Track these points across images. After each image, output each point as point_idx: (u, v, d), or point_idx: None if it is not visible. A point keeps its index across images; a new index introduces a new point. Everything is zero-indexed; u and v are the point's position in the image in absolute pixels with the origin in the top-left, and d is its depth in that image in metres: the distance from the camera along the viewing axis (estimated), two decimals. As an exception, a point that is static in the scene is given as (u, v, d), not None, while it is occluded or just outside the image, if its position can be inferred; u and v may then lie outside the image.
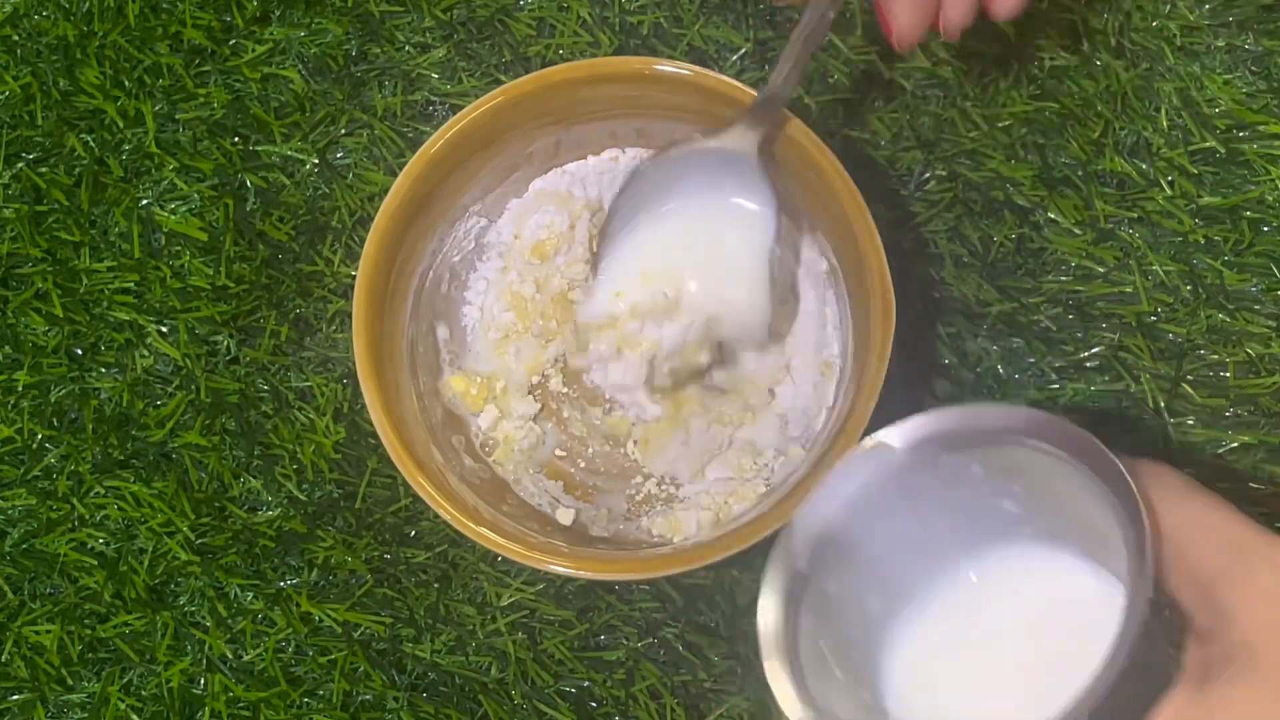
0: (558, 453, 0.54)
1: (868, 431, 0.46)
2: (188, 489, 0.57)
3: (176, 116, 0.60)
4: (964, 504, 0.43)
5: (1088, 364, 0.53)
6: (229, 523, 0.56)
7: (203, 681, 0.55)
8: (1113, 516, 0.36)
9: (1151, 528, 0.34)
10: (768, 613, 0.40)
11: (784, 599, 0.40)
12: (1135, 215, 0.54)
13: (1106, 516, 0.37)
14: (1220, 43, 0.55)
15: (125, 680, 0.56)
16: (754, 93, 0.48)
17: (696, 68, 0.49)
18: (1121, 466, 0.36)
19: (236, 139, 0.60)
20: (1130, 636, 0.33)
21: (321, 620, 0.55)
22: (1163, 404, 0.52)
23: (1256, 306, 0.53)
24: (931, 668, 0.43)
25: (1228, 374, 0.52)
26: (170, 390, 0.58)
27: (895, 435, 0.41)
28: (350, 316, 0.49)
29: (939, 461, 0.41)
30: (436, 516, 0.49)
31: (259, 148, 0.59)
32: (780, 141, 0.48)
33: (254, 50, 0.60)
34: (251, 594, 0.56)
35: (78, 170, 0.60)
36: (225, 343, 0.58)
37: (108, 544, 0.57)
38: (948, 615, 0.44)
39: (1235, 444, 0.52)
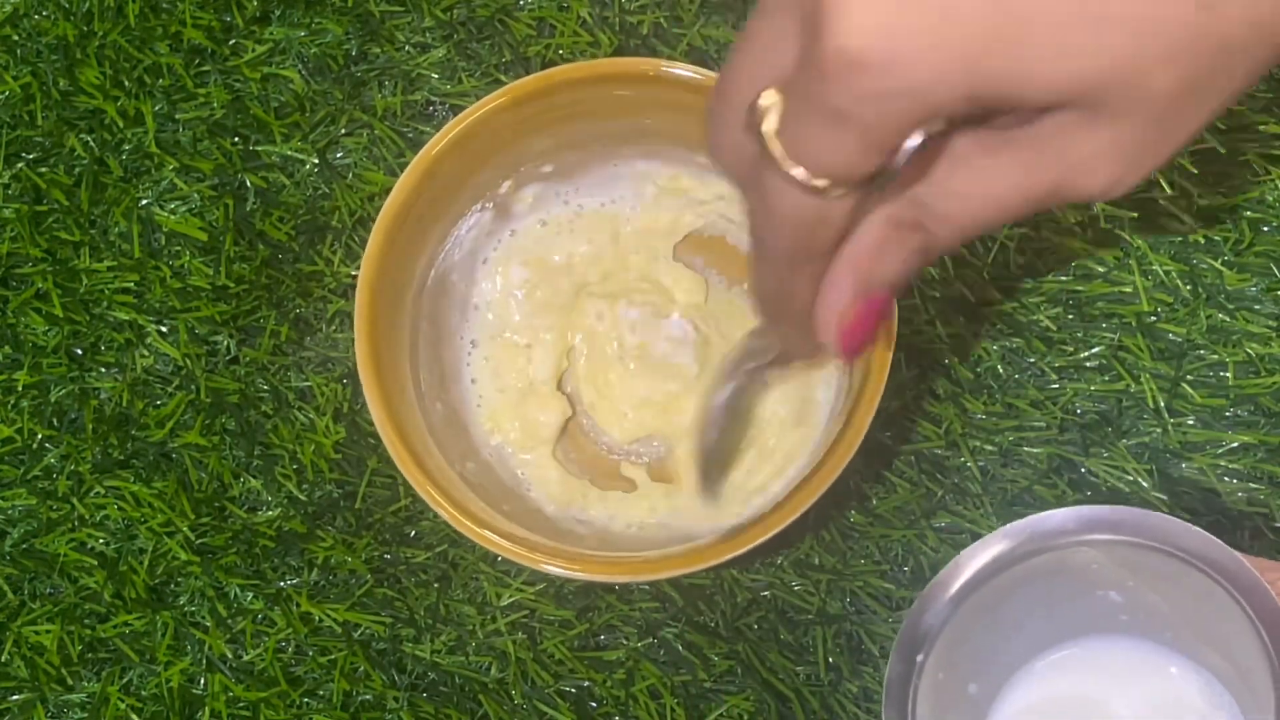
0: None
1: (865, 436, 0.46)
2: (188, 489, 0.57)
3: (176, 116, 0.60)
4: (1070, 590, 0.43)
5: (1088, 364, 0.53)
6: (229, 523, 0.56)
7: (203, 681, 0.55)
8: (1259, 648, 0.37)
9: None
10: (891, 711, 0.40)
11: (904, 694, 0.40)
12: (1135, 215, 0.54)
13: (1247, 638, 0.38)
14: (1220, 43, 0.55)
15: (125, 680, 0.56)
16: None
17: (698, 68, 0.49)
18: None
19: (236, 139, 0.60)
20: None
21: (321, 620, 0.55)
22: (1163, 404, 0.52)
23: (1256, 306, 0.53)
24: None
25: (1228, 374, 0.52)
26: (170, 390, 0.58)
27: (1031, 524, 0.41)
28: (350, 316, 0.49)
29: (1064, 551, 0.41)
30: (436, 516, 0.49)
31: (259, 148, 0.59)
32: None
33: (254, 50, 0.60)
34: (251, 594, 0.56)
35: (78, 170, 0.60)
36: (225, 343, 0.58)
37: (108, 544, 0.57)
38: (1037, 700, 0.45)
39: (1235, 444, 0.52)
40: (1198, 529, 0.39)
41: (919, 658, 0.40)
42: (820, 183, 0.30)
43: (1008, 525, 0.40)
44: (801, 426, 0.51)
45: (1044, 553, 0.40)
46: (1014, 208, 0.32)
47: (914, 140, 0.29)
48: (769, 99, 0.31)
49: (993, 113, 0.30)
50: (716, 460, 0.50)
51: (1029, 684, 0.45)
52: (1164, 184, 0.54)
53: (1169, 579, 0.40)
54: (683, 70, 0.49)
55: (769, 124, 0.31)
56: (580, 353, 0.54)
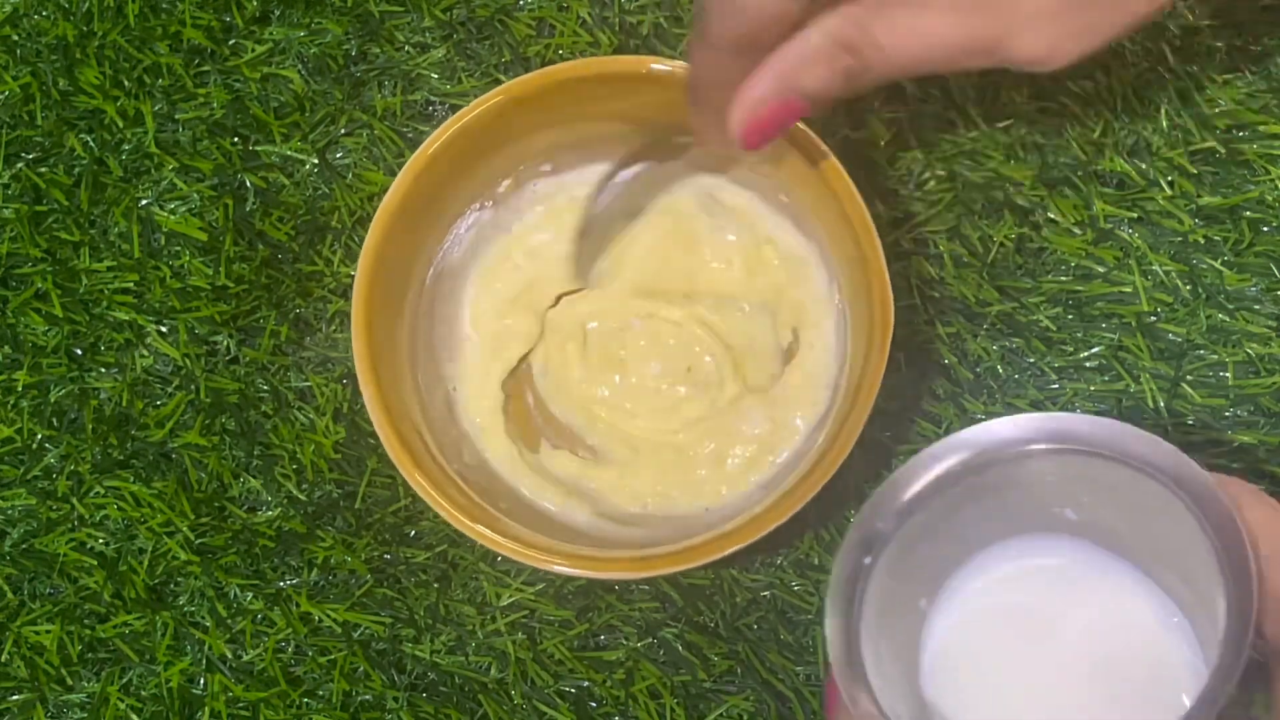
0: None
1: (864, 436, 0.46)
2: (187, 489, 0.57)
3: (176, 116, 0.60)
4: (1022, 506, 0.42)
5: (1088, 364, 0.53)
6: (229, 523, 0.56)
7: (202, 681, 0.55)
8: (1213, 561, 0.36)
9: (1258, 586, 0.33)
10: (834, 619, 0.39)
11: (850, 594, 0.40)
12: (1135, 215, 0.54)
13: (1201, 551, 0.37)
14: (1220, 43, 0.55)
15: (125, 680, 0.56)
16: None
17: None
18: (1237, 519, 0.35)
19: (236, 139, 0.60)
20: (1218, 696, 0.32)
21: (321, 620, 0.55)
22: (1163, 404, 0.52)
23: (1256, 306, 0.53)
24: (960, 649, 0.43)
25: (1228, 374, 0.52)
26: (170, 390, 0.58)
27: (981, 432, 0.40)
28: (350, 316, 0.49)
29: (1014, 464, 0.40)
30: (436, 516, 0.49)
31: (259, 148, 0.59)
32: (780, 144, 0.48)
33: (254, 50, 0.60)
34: (251, 594, 0.56)
35: (78, 170, 0.60)
36: (225, 343, 0.58)
37: (108, 544, 0.57)
38: (982, 608, 0.44)
39: (1235, 444, 0.52)
40: (1151, 435, 0.38)
41: (866, 560, 0.39)
42: None
43: (953, 436, 0.39)
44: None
45: (994, 465, 0.39)
46: (950, 54, 0.35)
47: None
48: None
49: None
50: (596, 235, 0.52)
51: (975, 593, 0.44)
52: (1164, 184, 0.54)
53: (1123, 490, 0.39)
54: (681, 68, 0.49)
55: None
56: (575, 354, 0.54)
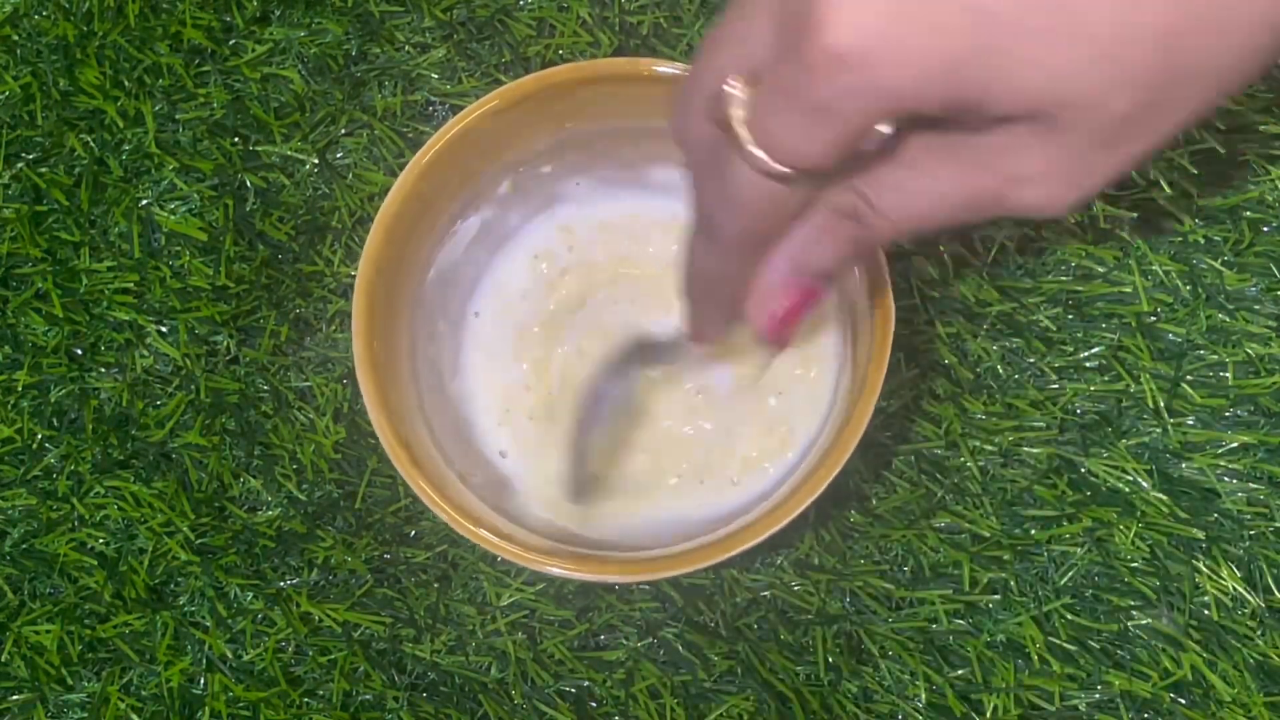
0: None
1: (865, 436, 0.46)
2: (188, 489, 0.57)
3: (176, 116, 0.60)
4: None
5: (1088, 364, 0.53)
6: (229, 523, 0.56)
7: (203, 681, 0.55)
8: None
9: None
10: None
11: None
12: (1135, 215, 0.54)
13: None
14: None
15: (125, 680, 0.56)
16: None
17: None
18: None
19: (236, 139, 0.60)
20: None
21: (321, 620, 0.55)
22: (1163, 404, 0.52)
23: (1256, 306, 0.53)
24: None
25: (1228, 374, 0.52)
26: (170, 390, 0.58)
27: None
28: (350, 316, 0.49)
29: None
30: (436, 516, 0.49)
31: (259, 148, 0.59)
32: None
33: (254, 50, 0.60)
34: (251, 594, 0.56)
35: (78, 170, 0.60)
36: (225, 343, 0.58)
37: (108, 544, 0.57)
38: None
39: (1235, 444, 0.52)
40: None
41: None
42: (786, 170, 0.32)
43: None
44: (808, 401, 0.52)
45: None
46: (950, 210, 0.34)
47: (886, 129, 0.31)
48: (735, 88, 0.32)
49: (951, 119, 0.31)
50: (591, 456, 0.51)
51: None
52: (1164, 184, 0.54)
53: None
54: (680, 69, 0.49)
55: (737, 112, 0.32)
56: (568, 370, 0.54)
